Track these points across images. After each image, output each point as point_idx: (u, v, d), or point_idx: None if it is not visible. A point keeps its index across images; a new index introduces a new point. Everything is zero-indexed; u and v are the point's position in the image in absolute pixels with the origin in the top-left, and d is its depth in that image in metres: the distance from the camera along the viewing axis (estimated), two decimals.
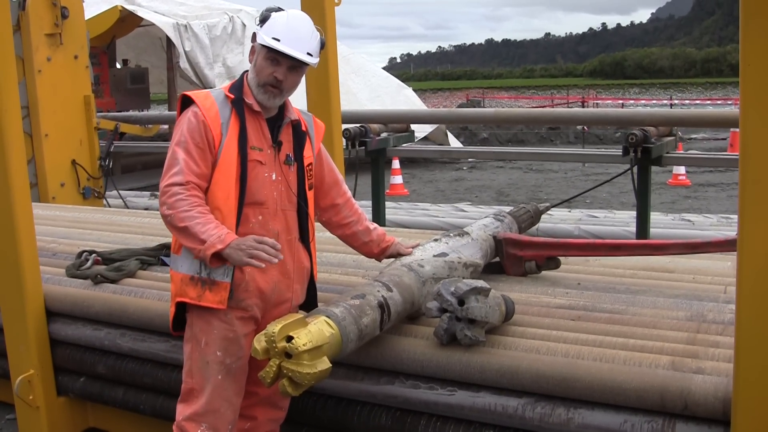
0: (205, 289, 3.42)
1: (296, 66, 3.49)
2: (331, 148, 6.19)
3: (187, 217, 3.31)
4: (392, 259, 4.06)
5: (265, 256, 3.27)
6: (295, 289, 3.69)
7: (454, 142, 22.30)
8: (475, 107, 33.94)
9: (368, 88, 20.45)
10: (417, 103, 22.51)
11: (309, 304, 3.77)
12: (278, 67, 3.46)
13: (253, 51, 3.54)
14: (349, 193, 4.02)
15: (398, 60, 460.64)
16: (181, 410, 3.56)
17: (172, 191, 3.35)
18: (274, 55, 3.44)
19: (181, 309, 3.58)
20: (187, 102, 3.53)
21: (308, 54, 3.47)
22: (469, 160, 21.26)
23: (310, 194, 3.73)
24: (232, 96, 3.51)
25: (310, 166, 3.71)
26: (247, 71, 3.61)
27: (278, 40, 3.40)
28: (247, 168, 3.46)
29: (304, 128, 3.72)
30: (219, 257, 3.32)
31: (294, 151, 3.65)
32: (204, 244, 3.29)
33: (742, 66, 2.50)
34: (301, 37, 3.46)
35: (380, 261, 4.15)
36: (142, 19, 17.74)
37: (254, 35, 3.51)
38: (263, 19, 3.47)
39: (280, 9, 3.53)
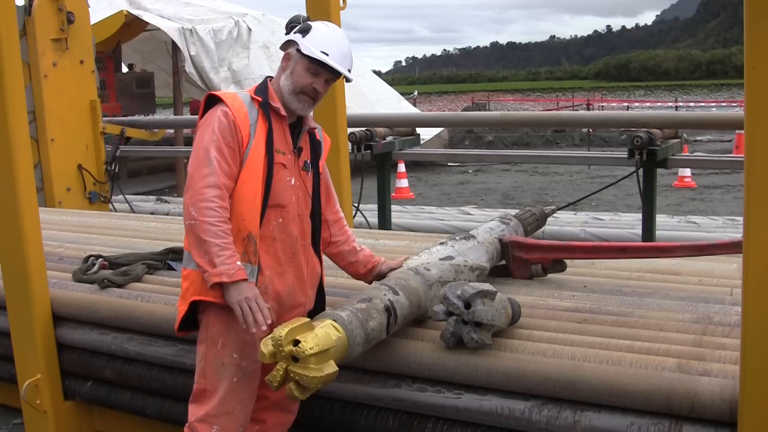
0: None
1: (332, 79, 3.55)
2: (336, 151, 6.20)
3: (210, 232, 3.31)
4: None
5: (250, 319, 3.30)
6: (308, 294, 3.73)
7: None
8: (480, 110, 33.99)
9: (374, 91, 20.49)
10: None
11: (318, 309, 3.79)
12: (318, 78, 3.51)
13: (288, 58, 3.55)
14: (342, 214, 4.02)
15: (403, 63, 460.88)
16: (194, 411, 3.56)
17: (206, 196, 3.34)
18: (316, 68, 3.48)
19: (192, 309, 3.57)
20: (212, 101, 3.55)
21: (348, 70, 3.55)
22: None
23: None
24: (260, 99, 3.54)
25: (321, 175, 3.77)
26: (269, 77, 3.65)
27: (327, 54, 3.45)
28: (273, 170, 3.49)
29: (318, 138, 3.78)
30: (218, 285, 3.34)
31: (311, 158, 3.70)
32: (213, 268, 3.31)
33: (747, 68, 2.50)
34: (346, 54, 3.53)
35: (369, 282, 4.05)
36: (147, 23, 17.77)
37: (289, 42, 3.52)
38: (305, 30, 3.49)
39: (308, 18, 3.57)
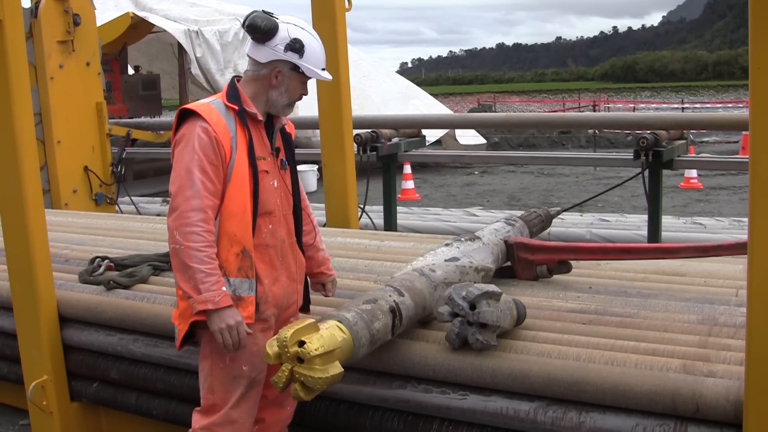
0: None
1: None
2: (342, 153, 6.22)
3: (195, 258, 3.25)
4: (403, 264, 4.05)
5: (230, 345, 3.31)
6: (299, 291, 3.73)
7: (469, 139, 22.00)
8: (486, 111, 33.96)
9: (379, 93, 20.49)
10: (432, 107, 22.33)
11: (304, 303, 3.82)
12: (305, 85, 3.54)
13: (278, 74, 3.44)
14: (307, 201, 3.90)
15: (409, 65, 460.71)
16: (198, 419, 3.54)
17: (191, 220, 3.26)
18: (307, 79, 3.50)
19: (193, 325, 3.49)
20: (186, 115, 3.43)
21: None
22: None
23: None
24: (236, 107, 3.45)
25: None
26: (236, 77, 3.58)
27: (324, 69, 3.52)
28: (258, 180, 3.44)
29: (288, 131, 3.75)
30: (203, 312, 3.31)
31: (286, 154, 3.67)
32: (199, 294, 3.26)
33: (752, 70, 2.50)
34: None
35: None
36: (153, 25, 17.83)
37: (278, 61, 3.41)
38: (299, 49, 3.39)
39: (292, 22, 3.45)
